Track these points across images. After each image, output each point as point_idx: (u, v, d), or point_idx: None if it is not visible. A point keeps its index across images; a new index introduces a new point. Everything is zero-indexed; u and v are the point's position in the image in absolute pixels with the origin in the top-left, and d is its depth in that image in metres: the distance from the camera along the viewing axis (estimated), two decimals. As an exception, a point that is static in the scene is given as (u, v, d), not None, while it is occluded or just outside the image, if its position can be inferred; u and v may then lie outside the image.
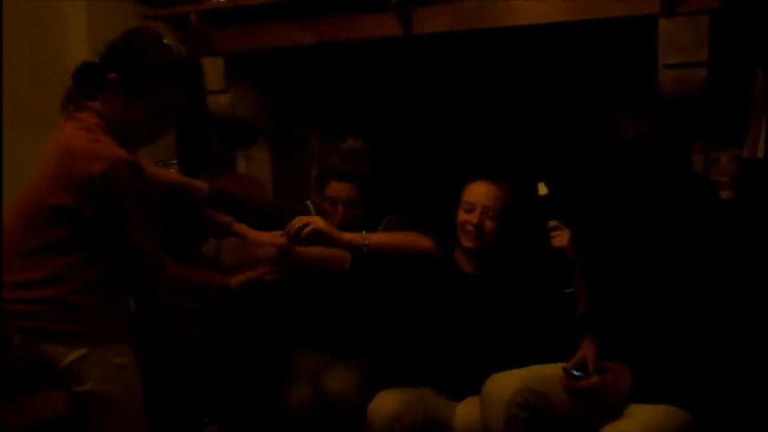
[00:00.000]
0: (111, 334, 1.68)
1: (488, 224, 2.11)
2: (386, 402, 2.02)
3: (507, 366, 1.94)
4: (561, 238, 2.02)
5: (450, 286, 2.16)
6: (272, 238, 1.95)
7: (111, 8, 2.90)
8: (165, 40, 1.72)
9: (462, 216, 2.13)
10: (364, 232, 2.02)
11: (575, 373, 1.88)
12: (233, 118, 2.92)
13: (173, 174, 2.09)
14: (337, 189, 2.23)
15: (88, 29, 2.84)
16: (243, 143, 3.07)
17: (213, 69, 2.84)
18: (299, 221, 1.93)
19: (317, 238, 1.94)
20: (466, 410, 2.04)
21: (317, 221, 1.95)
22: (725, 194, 2.21)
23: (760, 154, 2.09)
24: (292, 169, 3.08)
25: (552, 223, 2.03)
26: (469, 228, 2.11)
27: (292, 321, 2.37)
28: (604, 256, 1.98)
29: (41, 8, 2.76)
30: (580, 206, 2.13)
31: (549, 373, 1.91)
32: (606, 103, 2.26)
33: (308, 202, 2.35)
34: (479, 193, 2.13)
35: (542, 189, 2.05)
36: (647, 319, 1.85)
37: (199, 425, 2.17)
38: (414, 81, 2.78)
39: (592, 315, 1.97)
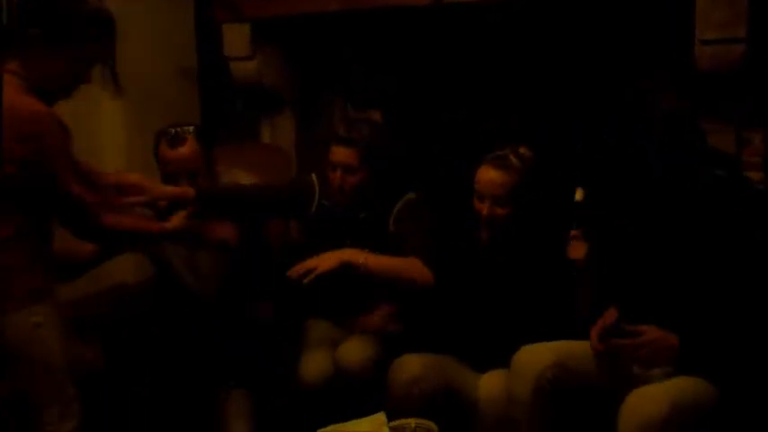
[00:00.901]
0: (27, 293, 1.70)
1: (499, 212, 2.09)
2: (407, 365, 2.03)
3: (533, 340, 1.92)
4: (578, 250, 2.00)
5: (472, 259, 2.15)
6: None
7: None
8: None
9: (476, 204, 2.12)
10: (367, 251, 2.03)
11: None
12: (258, 85, 2.90)
13: (157, 186, 2.11)
14: (337, 153, 2.20)
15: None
16: (268, 111, 3.06)
17: (239, 35, 2.82)
18: (299, 270, 1.98)
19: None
20: (490, 382, 2.03)
21: (321, 266, 1.97)
22: (755, 175, 2.17)
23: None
24: (317, 138, 3.07)
25: (574, 233, 2.01)
26: (483, 217, 2.10)
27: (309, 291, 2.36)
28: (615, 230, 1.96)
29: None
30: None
31: (578, 349, 1.88)
32: (639, 77, 2.22)
33: (313, 175, 2.35)
34: (486, 180, 2.10)
35: (579, 194, 2.03)
36: (663, 293, 1.82)
37: (224, 388, 2.19)
38: (440, 50, 2.74)
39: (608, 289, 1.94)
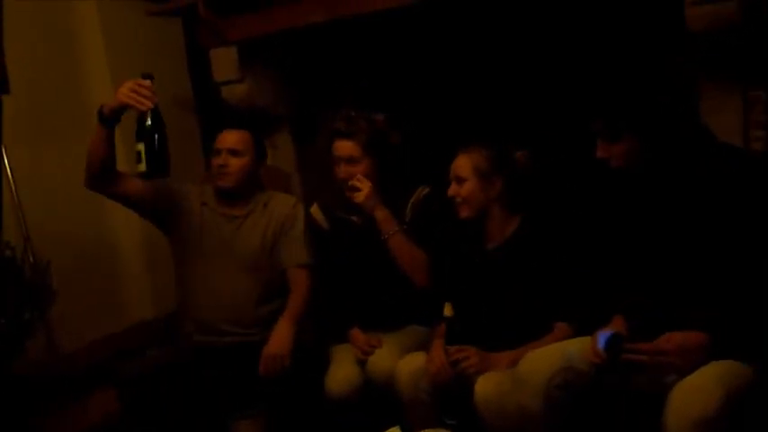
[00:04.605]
0: None
1: (463, 191, 2.10)
2: (412, 361, 2.03)
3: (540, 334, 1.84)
4: None
5: (475, 259, 2.14)
6: None
7: (122, 6, 2.89)
8: None
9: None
10: (399, 227, 2.26)
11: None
12: (251, 107, 2.88)
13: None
14: (339, 148, 2.29)
15: (102, 27, 2.84)
16: (265, 132, 3.02)
17: (227, 59, 2.81)
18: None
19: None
20: (487, 382, 1.93)
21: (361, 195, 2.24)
22: (759, 133, 2.07)
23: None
24: (317, 152, 3.03)
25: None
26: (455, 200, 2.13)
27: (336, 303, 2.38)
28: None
29: (54, 9, 2.77)
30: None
31: (586, 348, 1.77)
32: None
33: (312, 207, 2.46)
34: (451, 168, 2.14)
35: (447, 310, 2.02)
36: (688, 284, 1.71)
37: (229, 420, 2.15)
38: (431, 50, 2.70)
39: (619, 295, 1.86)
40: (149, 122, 2.05)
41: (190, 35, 3.03)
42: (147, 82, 2.04)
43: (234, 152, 2.33)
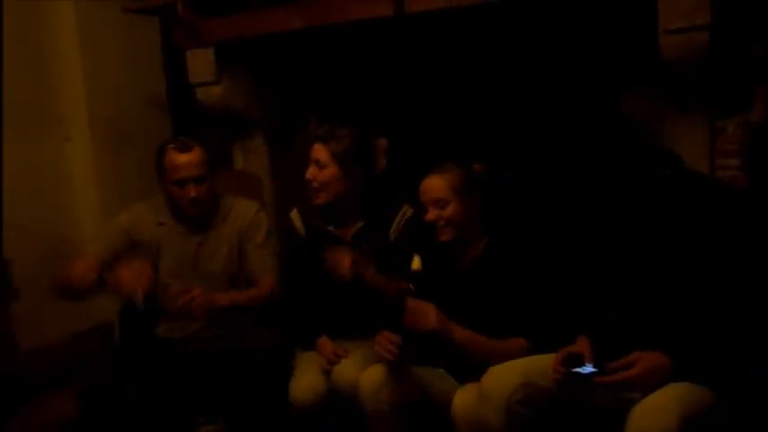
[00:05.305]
0: None
1: (446, 213, 2.05)
2: (375, 372, 2.01)
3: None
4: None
5: (450, 279, 2.13)
6: None
7: (99, 5, 2.86)
8: None
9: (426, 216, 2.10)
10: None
11: (583, 370, 1.71)
12: (226, 110, 2.87)
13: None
14: (313, 151, 2.29)
15: (78, 27, 2.81)
16: (238, 135, 3.02)
17: (203, 61, 2.79)
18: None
19: None
20: (465, 396, 1.94)
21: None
22: (732, 162, 2.12)
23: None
24: (291, 157, 3.03)
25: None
26: (436, 224, 2.07)
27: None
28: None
29: (30, 8, 2.74)
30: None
31: (549, 364, 1.79)
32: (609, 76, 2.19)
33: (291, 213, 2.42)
34: (424, 191, 2.09)
35: (416, 263, 2.05)
36: (645, 303, 1.76)
37: (193, 426, 2.13)
38: (408, 61, 2.71)
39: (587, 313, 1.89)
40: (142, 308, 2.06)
41: (166, 35, 3.00)
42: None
43: (200, 179, 2.25)
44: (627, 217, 1.82)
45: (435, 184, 2.06)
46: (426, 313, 1.91)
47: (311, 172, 2.27)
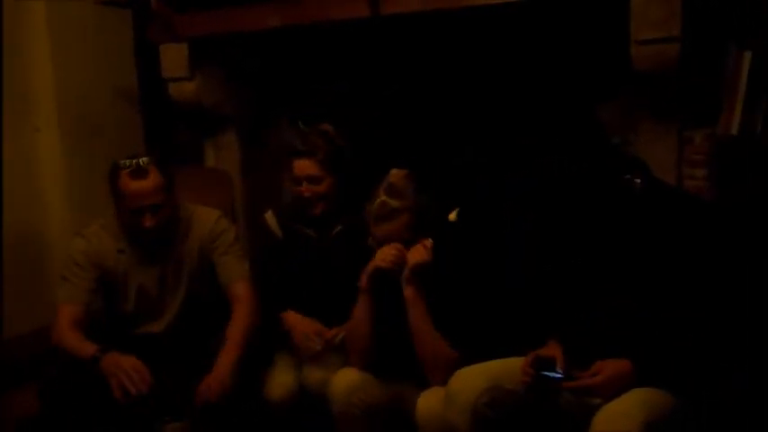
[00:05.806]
0: None
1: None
2: (345, 375, 2.01)
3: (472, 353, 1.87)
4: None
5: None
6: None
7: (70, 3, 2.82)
8: None
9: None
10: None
11: (552, 374, 1.74)
12: (198, 106, 2.84)
13: None
14: (298, 167, 2.26)
15: (47, 23, 2.76)
16: (210, 132, 2.99)
17: (177, 56, 2.76)
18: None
19: None
20: (428, 400, 1.94)
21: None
22: (699, 173, 2.17)
23: (734, 131, 2.05)
24: (263, 155, 3.02)
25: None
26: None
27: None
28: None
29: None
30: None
31: (515, 367, 1.81)
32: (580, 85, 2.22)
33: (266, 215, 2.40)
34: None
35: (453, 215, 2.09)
36: (611, 308, 1.79)
37: (159, 424, 2.10)
38: (385, 62, 2.72)
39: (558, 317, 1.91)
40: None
41: (139, 29, 2.96)
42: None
43: (156, 207, 2.10)
44: (594, 223, 1.84)
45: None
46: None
47: (307, 189, 2.25)
